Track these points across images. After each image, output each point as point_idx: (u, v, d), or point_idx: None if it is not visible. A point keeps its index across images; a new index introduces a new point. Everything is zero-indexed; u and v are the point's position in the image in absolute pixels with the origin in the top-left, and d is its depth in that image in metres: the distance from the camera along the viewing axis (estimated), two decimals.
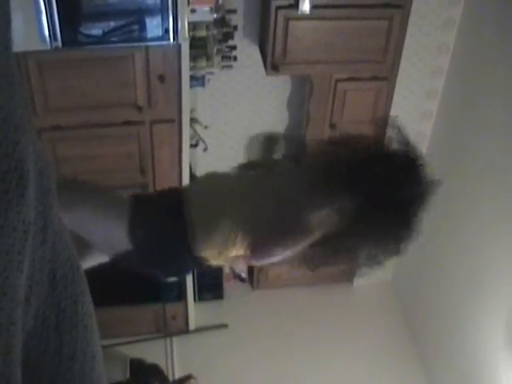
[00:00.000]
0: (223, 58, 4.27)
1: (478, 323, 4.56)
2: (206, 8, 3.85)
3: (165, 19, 3.67)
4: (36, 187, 0.99)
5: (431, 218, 4.87)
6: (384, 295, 6.00)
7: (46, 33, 3.56)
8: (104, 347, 1.43)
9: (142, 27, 3.73)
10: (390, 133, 2.58)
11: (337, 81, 4.46)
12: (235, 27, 4.22)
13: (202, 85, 4.40)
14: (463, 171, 4.66)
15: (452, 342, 4.96)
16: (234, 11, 4.22)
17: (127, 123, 4.15)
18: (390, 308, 5.88)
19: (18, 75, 0.95)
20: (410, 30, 4.33)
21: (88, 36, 3.71)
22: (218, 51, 4.20)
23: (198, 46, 4.08)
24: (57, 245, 1.12)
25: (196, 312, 5.30)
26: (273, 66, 4.21)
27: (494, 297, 4.34)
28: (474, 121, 4.51)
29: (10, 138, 0.86)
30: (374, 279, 5.97)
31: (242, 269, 5.68)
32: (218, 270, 5.41)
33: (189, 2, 3.73)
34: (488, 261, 4.39)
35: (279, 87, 4.78)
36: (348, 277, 5.97)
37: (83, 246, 2.67)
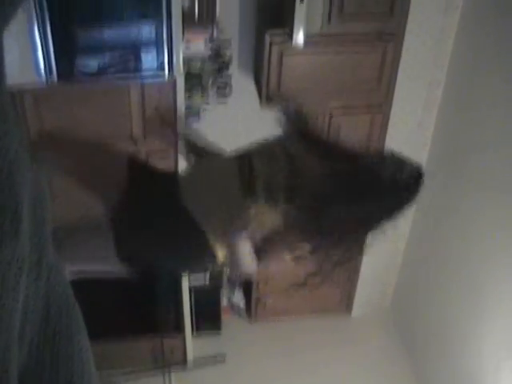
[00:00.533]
0: (218, 90, 4.29)
1: (477, 349, 4.54)
2: (201, 41, 3.88)
3: (160, 53, 3.70)
4: (30, 219, 0.99)
5: (428, 245, 4.90)
6: (383, 322, 5.98)
7: (42, 67, 3.59)
8: (101, 380, 1.42)
9: (138, 61, 3.75)
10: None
11: (331, 113, 4.48)
12: (230, 60, 4.25)
13: (197, 117, 4.41)
14: (458, 198, 4.67)
15: (452, 368, 4.93)
16: (228, 44, 4.25)
17: None
18: (388, 335, 5.86)
19: (12, 110, 0.95)
20: (402, 63, 4.38)
21: (83, 70, 3.74)
22: (213, 84, 4.23)
23: (193, 79, 4.11)
24: (51, 279, 1.12)
25: (194, 344, 5.27)
26: (267, 98, 4.23)
27: (494, 323, 4.33)
28: (467, 147, 4.53)
29: (4, 173, 0.86)
30: (372, 307, 5.96)
31: (239, 300, 5.69)
32: (216, 302, 5.40)
33: (183, 36, 3.75)
34: (487, 286, 4.39)
35: (274, 118, 4.78)
36: (346, 306, 5.95)
37: None
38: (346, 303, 5.93)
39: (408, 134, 4.94)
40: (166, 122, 3.24)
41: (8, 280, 0.91)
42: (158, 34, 3.66)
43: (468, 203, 4.57)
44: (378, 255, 5.54)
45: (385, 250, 5.54)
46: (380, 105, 4.50)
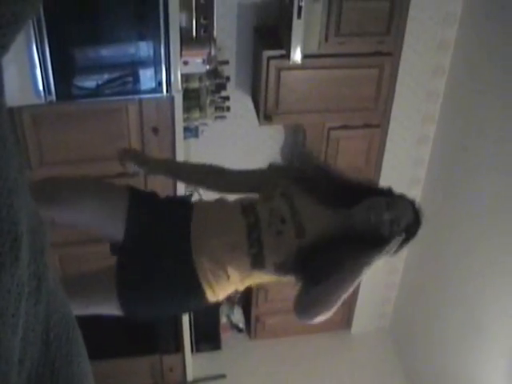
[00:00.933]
0: (216, 108, 4.29)
1: (476, 371, 4.52)
2: (199, 60, 3.88)
3: (158, 72, 3.71)
4: (29, 246, 0.99)
5: (426, 266, 4.88)
6: (381, 342, 5.96)
7: (41, 87, 3.59)
8: None
9: (136, 80, 3.76)
10: None
11: (329, 129, 4.49)
12: (228, 78, 4.26)
13: (196, 136, 4.42)
14: (457, 215, 4.67)
15: None
16: (226, 62, 4.27)
17: (122, 175, 4.15)
18: (387, 355, 5.84)
19: (11, 135, 0.95)
20: (399, 78, 4.40)
21: (82, 89, 3.75)
22: (211, 102, 4.23)
23: (191, 98, 4.12)
24: (51, 304, 1.11)
25: (193, 363, 5.25)
26: (266, 116, 4.24)
27: (493, 343, 4.32)
28: (465, 164, 4.54)
29: (3, 201, 0.86)
30: (371, 326, 5.94)
31: (239, 319, 5.67)
32: (215, 321, 5.38)
33: (181, 55, 3.76)
34: (485, 307, 4.37)
35: (272, 137, 4.80)
36: (346, 323, 5.94)
37: None
38: (346, 321, 5.92)
39: (406, 149, 4.95)
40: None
41: (7, 306, 0.91)
42: (156, 53, 3.67)
43: (468, 221, 4.56)
44: (377, 273, 5.54)
45: (383, 268, 5.54)
46: (378, 120, 4.52)
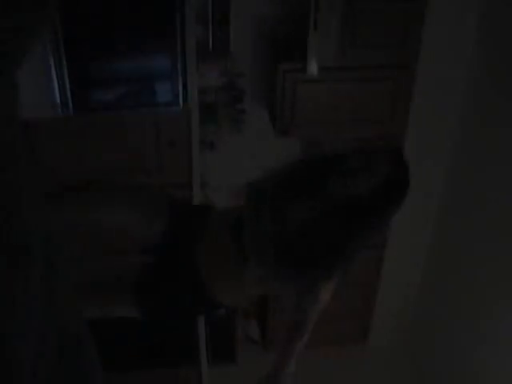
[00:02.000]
0: (232, 121, 4.30)
1: None
2: (215, 73, 3.90)
3: (174, 85, 3.73)
4: (42, 257, 1.00)
5: (445, 277, 4.84)
6: (399, 355, 5.92)
7: (58, 100, 3.62)
8: None
9: (152, 93, 3.78)
10: None
11: (346, 142, 4.48)
12: (243, 91, 4.27)
13: (212, 149, 4.43)
14: (477, 224, 4.65)
15: None
16: (242, 75, 4.27)
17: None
18: (405, 369, 5.80)
19: (25, 149, 0.96)
20: (416, 89, 4.39)
21: (99, 102, 3.77)
22: (227, 115, 4.24)
23: (207, 111, 4.13)
24: (64, 316, 1.12)
25: (209, 376, 5.23)
26: (282, 129, 4.23)
27: (510, 358, 4.28)
28: (486, 177, 4.52)
29: (15, 212, 0.86)
30: (389, 339, 5.91)
31: (254, 331, 5.66)
32: (231, 334, 5.37)
33: (198, 68, 3.78)
34: (502, 321, 4.34)
35: (288, 149, 4.79)
36: (364, 336, 5.89)
37: None
38: (364, 333, 5.87)
39: (423, 161, 4.93)
40: None
41: (21, 317, 0.91)
42: (173, 66, 3.69)
43: (489, 227, 4.53)
44: (394, 284, 5.51)
45: (401, 280, 5.51)
46: (395, 133, 4.50)
